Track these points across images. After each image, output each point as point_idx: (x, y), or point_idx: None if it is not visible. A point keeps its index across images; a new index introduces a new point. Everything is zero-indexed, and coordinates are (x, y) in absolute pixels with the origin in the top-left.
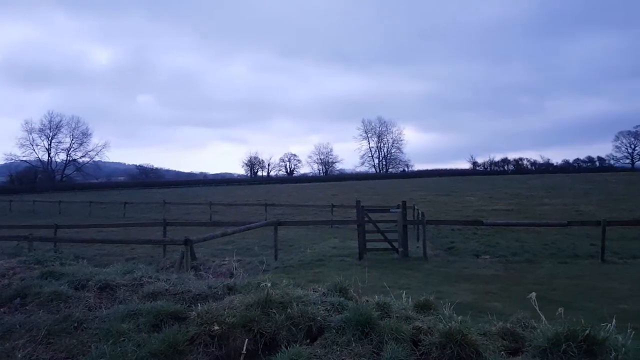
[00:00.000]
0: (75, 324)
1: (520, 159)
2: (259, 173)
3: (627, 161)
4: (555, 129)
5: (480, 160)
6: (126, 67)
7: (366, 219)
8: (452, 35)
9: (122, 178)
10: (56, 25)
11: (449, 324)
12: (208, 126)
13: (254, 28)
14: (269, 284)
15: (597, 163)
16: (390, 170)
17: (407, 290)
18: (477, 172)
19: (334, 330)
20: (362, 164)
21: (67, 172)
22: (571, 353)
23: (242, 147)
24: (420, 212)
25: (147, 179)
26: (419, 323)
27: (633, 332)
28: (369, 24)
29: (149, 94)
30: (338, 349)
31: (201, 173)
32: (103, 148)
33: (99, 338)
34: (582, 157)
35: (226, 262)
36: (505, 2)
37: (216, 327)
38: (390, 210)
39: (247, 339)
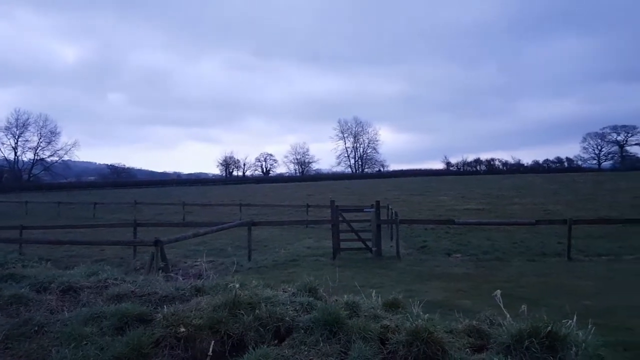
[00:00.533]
0: (36, 328)
1: (492, 160)
2: (235, 173)
3: (594, 162)
4: (526, 130)
5: (453, 161)
6: (95, 64)
7: (340, 218)
8: (426, 37)
9: (92, 178)
10: (20, 20)
11: (416, 322)
12: (181, 125)
13: (227, 26)
14: (237, 285)
15: (566, 164)
16: (366, 170)
17: (379, 289)
18: (451, 172)
19: (302, 330)
20: (339, 164)
21: (34, 171)
22: (533, 349)
23: (216, 146)
24: (393, 212)
25: (119, 179)
26: (387, 322)
27: (594, 327)
28: (344, 24)
29: (119, 92)
30: (306, 349)
31: (175, 173)
32: (72, 147)
33: (60, 342)
34: (551, 157)
35: (198, 263)
36: (478, 5)
37: (182, 329)
38: (364, 210)
39: (213, 341)
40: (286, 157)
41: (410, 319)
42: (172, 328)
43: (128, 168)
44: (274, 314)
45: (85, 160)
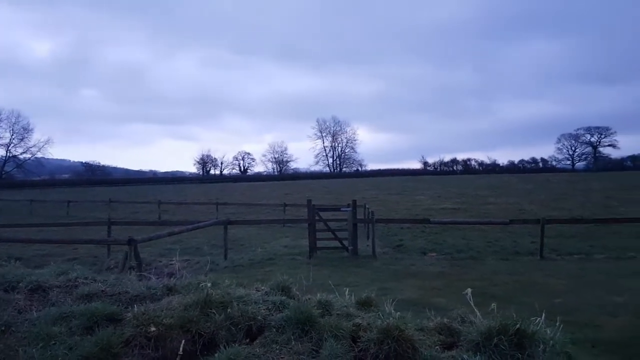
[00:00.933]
0: (3, 328)
1: (469, 160)
2: (212, 171)
3: (568, 162)
4: (501, 130)
5: (431, 161)
6: (69, 60)
7: (317, 218)
8: (403, 37)
9: (66, 175)
10: None
11: (387, 321)
12: (157, 123)
13: (205, 23)
14: (209, 284)
15: (540, 164)
16: (344, 169)
17: (354, 288)
18: (428, 172)
19: (274, 329)
20: (317, 163)
21: (6, 168)
22: (502, 346)
23: (193, 144)
24: (370, 211)
25: (94, 177)
26: (359, 320)
27: (562, 325)
28: (322, 22)
29: (94, 88)
30: (277, 347)
31: (151, 171)
32: (46, 144)
33: (28, 342)
34: (526, 158)
35: (173, 263)
36: (455, 6)
37: (153, 329)
38: (341, 209)
39: (184, 340)
40: (264, 155)
41: (382, 317)
42: (142, 327)
43: (103, 166)
44: (246, 312)
45: (59, 157)
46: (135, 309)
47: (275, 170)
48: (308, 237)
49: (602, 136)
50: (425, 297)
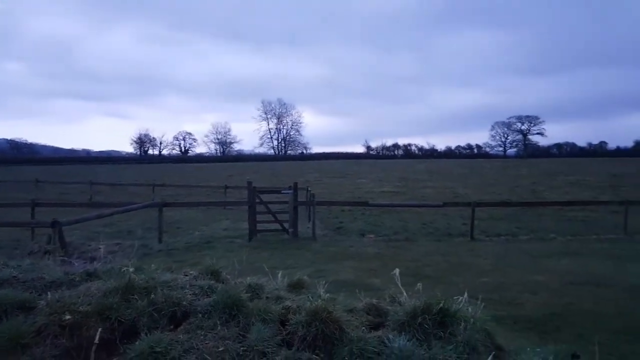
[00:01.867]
0: None
1: (409, 145)
2: (150, 152)
3: (501, 149)
4: (440, 117)
5: (373, 145)
6: None
7: (257, 200)
8: (347, 22)
9: None
10: None
11: (316, 303)
12: (90, 99)
13: None
14: (131, 269)
15: (475, 150)
16: (289, 152)
17: (292, 270)
18: (371, 156)
19: (200, 315)
20: (261, 145)
21: None
22: (426, 325)
23: (130, 123)
24: (311, 194)
25: (19, 155)
26: (289, 303)
27: (483, 303)
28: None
29: (17, 61)
30: (202, 333)
31: (84, 150)
32: None
33: None
34: (462, 144)
35: (103, 246)
36: None
37: (67, 317)
38: (282, 191)
39: (100, 328)
40: (207, 136)
41: (311, 300)
42: (56, 315)
43: (30, 143)
44: (171, 298)
45: None
46: (49, 296)
47: (218, 151)
48: (248, 219)
49: (532, 125)
50: (362, 277)
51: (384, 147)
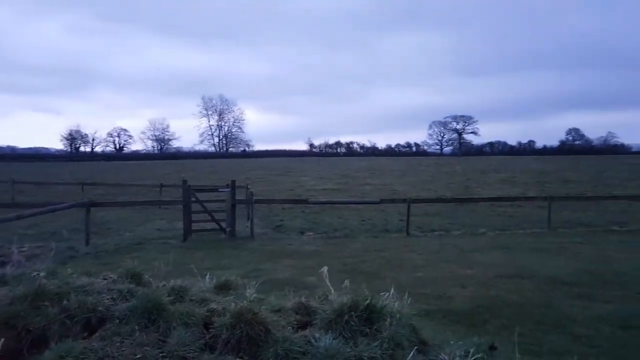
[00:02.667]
0: None
1: (351, 143)
2: (82, 149)
3: (437, 147)
4: (381, 116)
5: (316, 143)
6: None
7: (193, 199)
8: (291, 19)
9: None
10: None
11: (241, 304)
12: (14, 93)
13: None
14: (41, 274)
15: (414, 148)
16: (230, 149)
17: (228, 270)
18: (314, 153)
19: (118, 320)
20: (201, 142)
21: None
22: (352, 323)
23: (60, 118)
24: (250, 192)
25: None
26: (215, 305)
27: (410, 298)
28: None
29: None
30: (119, 339)
31: (8, 147)
32: None
33: None
34: (402, 142)
35: (16, 250)
36: None
37: None
38: (219, 190)
39: (3, 339)
40: (143, 133)
41: (236, 301)
42: None
43: None
44: (85, 304)
45: None
46: None
47: (155, 148)
48: (183, 219)
49: (466, 124)
50: (298, 276)
51: (326, 145)
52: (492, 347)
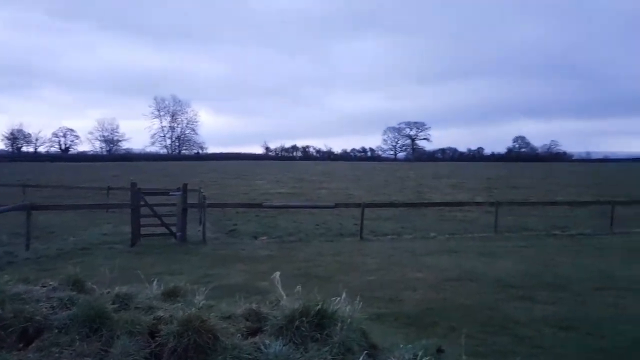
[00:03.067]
0: None
1: (307, 147)
2: (25, 149)
3: (392, 152)
4: (337, 120)
5: (272, 146)
6: None
7: (142, 202)
8: (247, 21)
9: None
10: None
11: (188, 311)
12: None
13: None
14: None
15: (369, 153)
16: (183, 152)
17: (178, 276)
18: (269, 157)
19: (57, 330)
20: (153, 143)
21: None
22: (303, 328)
23: (3, 117)
24: (202, 195)
25: None
26: (161, 312)
27: (362, 302)
28: None
29: None
30: (57, 350)
31: None
32: None
33: None
34: (357, 147)
35: None
36: None
37: None
38: (170, 193)
39: None
40: (91, 133)
41: (184, 308)
42: None
43: None
44: (22, 312)
45: None
46: None
47: (103, 149)
48: (131, 223)
49: (419, 130)
50: (251, 281)
51: (282, 149)
52: (439, 350)
